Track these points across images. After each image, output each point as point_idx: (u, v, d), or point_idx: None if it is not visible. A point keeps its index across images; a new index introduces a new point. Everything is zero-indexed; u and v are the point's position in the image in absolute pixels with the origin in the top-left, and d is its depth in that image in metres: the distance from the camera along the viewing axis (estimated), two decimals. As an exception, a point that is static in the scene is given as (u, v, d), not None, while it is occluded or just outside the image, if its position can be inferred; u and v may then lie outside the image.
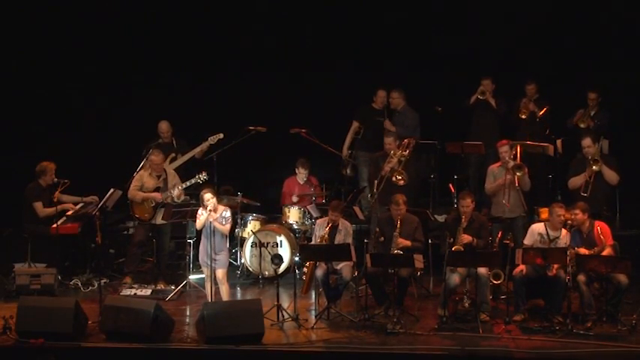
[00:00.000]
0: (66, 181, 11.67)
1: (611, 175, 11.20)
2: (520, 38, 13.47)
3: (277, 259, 10.54)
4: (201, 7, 13.97)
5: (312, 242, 11.03)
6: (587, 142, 11.22)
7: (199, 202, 10.30)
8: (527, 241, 10.39)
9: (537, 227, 10.44)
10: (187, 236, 11.94)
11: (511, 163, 11.26)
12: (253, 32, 14.00)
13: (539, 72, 13.13)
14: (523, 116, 12.77)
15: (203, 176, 11.48)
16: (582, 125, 12.33)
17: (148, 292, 11.16)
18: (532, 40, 13.48)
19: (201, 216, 10.18)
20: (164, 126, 12.67)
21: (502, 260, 10.29)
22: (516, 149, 11.46)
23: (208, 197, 10.13)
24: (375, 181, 11.66)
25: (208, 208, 10.08)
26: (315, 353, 9.45)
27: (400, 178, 11.59)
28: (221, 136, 12.55)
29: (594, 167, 11.10)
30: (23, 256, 11.55)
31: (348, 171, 13.31)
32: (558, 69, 13.26)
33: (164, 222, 11.46)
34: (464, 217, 10.47)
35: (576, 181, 11.26)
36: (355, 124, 13.30)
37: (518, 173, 11.20)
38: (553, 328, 9.77)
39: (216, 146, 12.62)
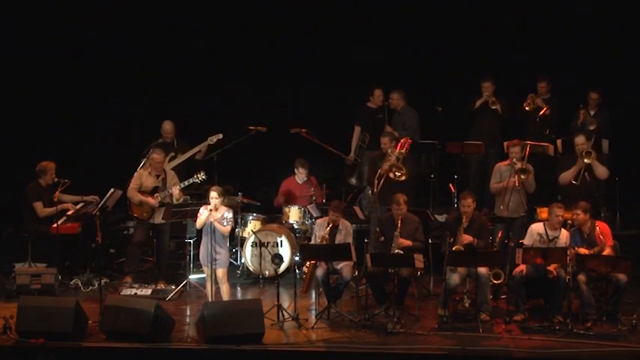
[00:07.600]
0: (66, 180, 11.66)
1: (600, 169, 11.26)
2: (520, 38, 13.48)
3: (277, 258, 10.54)
4: (202, 7, 13.97)
5: (313, 242, 11.03)
6: (580, 139, 11.36)
7: (200, 202, 10.28)
8: (526, 241, 10.39)
9: (536, 227, 10.44)
10: (187, 236, 11.94)
11: (518, 165, 11.20)
12: (253, 32, 14.00)
13: (538, 72, 13.12)
14: (527, 108, 12.63)
15: (201, 176, 11.50)
16: (591, 127, 12.25)
17: (148, 291, 11.15)
18: (532, 40, 13.49)
19: (202, 215, 10.18)
20: (168, 126, 12.66)
21: (502, 260, 10.30)
22: (526, 150, 11.43)
23: (213, 196, 10.13)
24: (375, 181, 11.62)
25: (209, 208, 10.08)
26: (316, 353, 9.44)
27: (400, 174, 11.51)
28: (220, 136, 12.57)
29: (586, 160, 11.14)
30: (23, 256, 11.54)
31: (354, 180, 13.28)
32: (559, 69, 13.26)
33: (163, 221, 11.46)
34: (465, 218, 10.46)
35: (567, 176, 11.31)
36: (357, 129, 13.29)
37: (522, 176, 11.15)
38: (553, 328, 9.78)
39: (215, 146, 12.64)
